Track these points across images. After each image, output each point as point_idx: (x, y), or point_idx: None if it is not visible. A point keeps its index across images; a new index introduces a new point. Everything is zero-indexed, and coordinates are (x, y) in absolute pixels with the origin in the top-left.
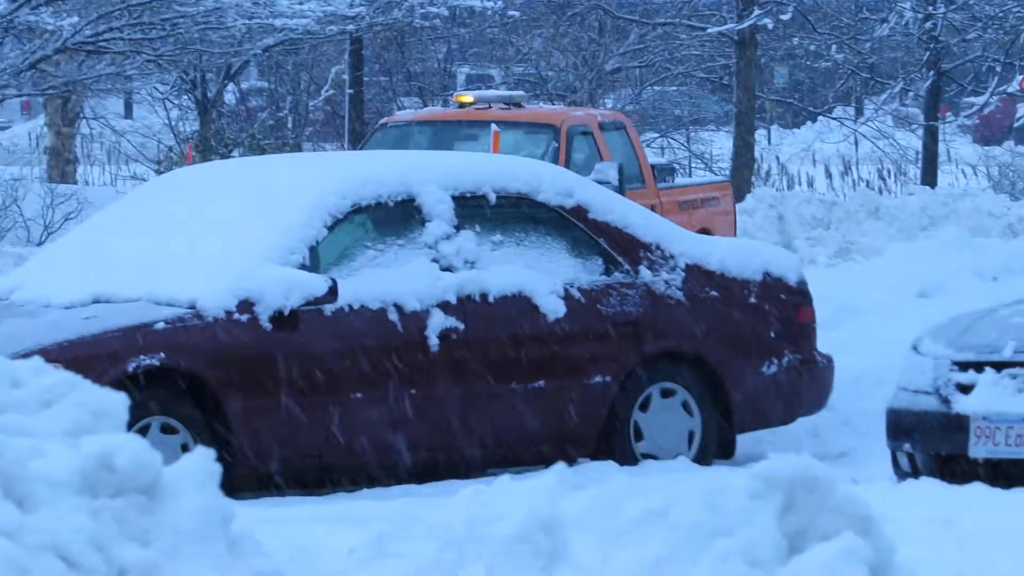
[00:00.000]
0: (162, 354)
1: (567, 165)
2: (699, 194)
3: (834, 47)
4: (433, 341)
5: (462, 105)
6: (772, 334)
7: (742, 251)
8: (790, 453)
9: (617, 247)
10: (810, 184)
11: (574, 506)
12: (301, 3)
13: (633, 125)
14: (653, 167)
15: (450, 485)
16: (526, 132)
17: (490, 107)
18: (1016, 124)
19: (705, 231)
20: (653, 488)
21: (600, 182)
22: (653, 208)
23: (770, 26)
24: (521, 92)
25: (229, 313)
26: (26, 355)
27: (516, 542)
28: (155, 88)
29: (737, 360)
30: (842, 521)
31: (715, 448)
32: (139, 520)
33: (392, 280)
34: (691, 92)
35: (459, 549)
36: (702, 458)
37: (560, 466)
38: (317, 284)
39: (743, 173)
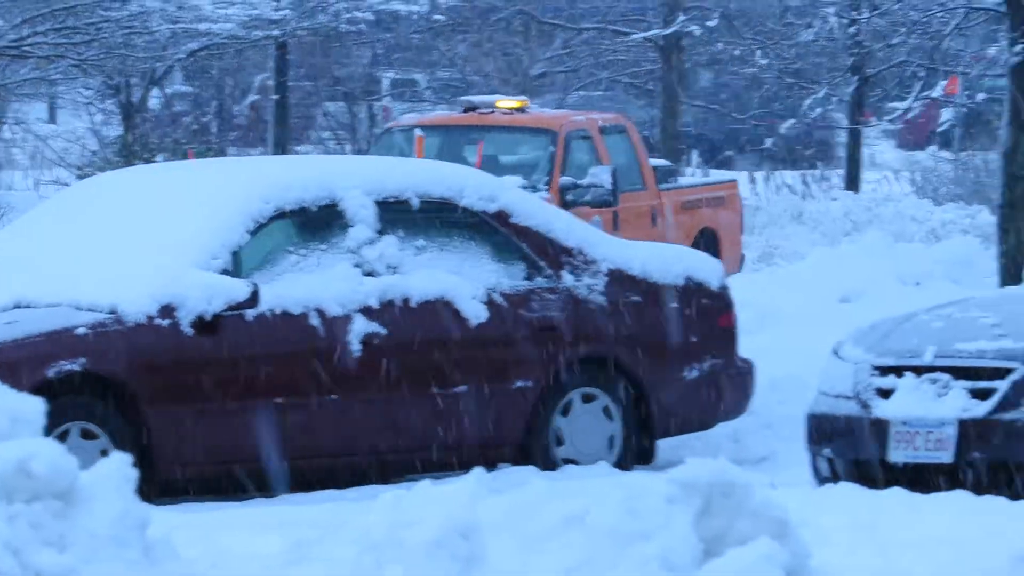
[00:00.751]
0: (83, 359)
1: (565, 169)
2: (703, 194)
3: (759, 52)
4: (355, 346)
5: (467, 110)
6: (694, 339)
7: (664, 256)
8: (709, 458)
9: (540, 252)
10: None
11: (493, 511)
12: (226, 8)
13: (635, 128)
14: (655, 168)
15: (371, 490)
16: (526, 136)
17: (493, 112)
18: (939, 129)
19: (709, 231)
20: (572, 493)
21: (593, 186)
22: (654, 210)
23: (696, 32)
24: (524, 97)
25: (150, 318)
26: None
27: (434, 547)
28: (79, 93)
29: (658, 365)
30: (759, 526)
31: (635, 453)
32: (55, 525)
33: (314, 285)
34: (617, 97)
35: (378, 553)
36: (622, 463)
37: (479, 471)
38: (239, 289)
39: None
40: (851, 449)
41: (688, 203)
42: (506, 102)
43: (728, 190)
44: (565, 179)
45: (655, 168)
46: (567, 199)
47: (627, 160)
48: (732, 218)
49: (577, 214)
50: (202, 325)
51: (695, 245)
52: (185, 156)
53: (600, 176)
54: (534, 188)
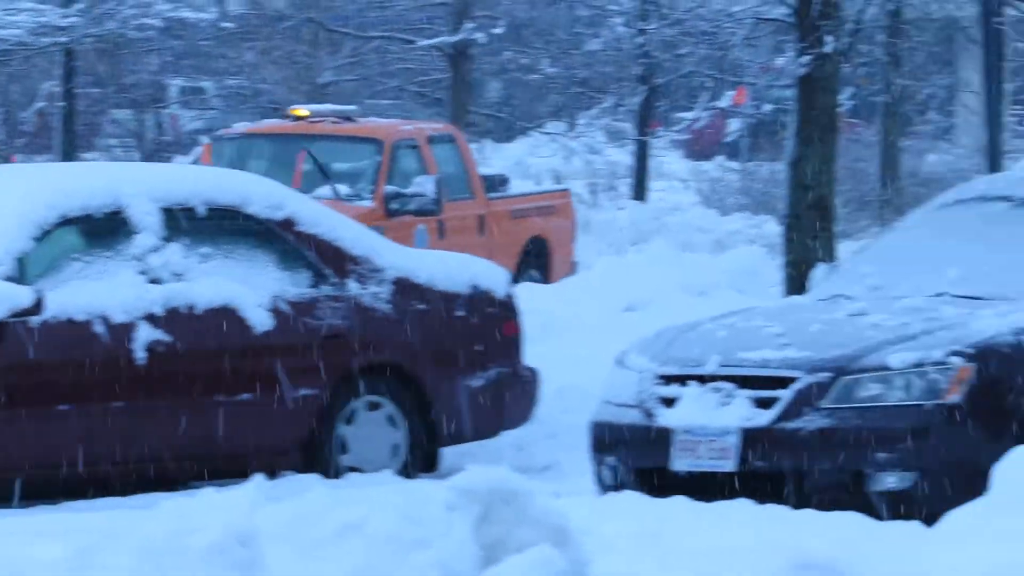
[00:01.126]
0: None
1: (391, 178)
2: (533, 203)
3: (547, 61)
4: (140, 354)
5: (297, 118)
6: (479, 347)
7: (450, 264)
8: (490, 466)
9: (325, 260)
10: None
11: (272, 518)
12: (14, 15)
13: (465, 138)
14: (483, 178)
15: (154, 498)
16: (353, 145)
17: (323, 120)
18: (727, 140)
19: (539, 239)
20: (352, 500)
21: (416, 195)
22: (482, 218)
23: (482, 40)
24: (354, 107)
25: None
26: None
27: (213, 554)
28: None
29: (443, 374)
30: (539, 533)
31: (420, 461)
32: None
33: (99, 292)
34: (405, 106)
35: (158, 561)
36: (407, 471)
37: (259, 478)
38: (22, 296)
39: None
40: (635, 458)
41: (517, 212)
42: (299, 110)
43: (559, 199)
44: (389, 188)
45: (485, 178)
46: (391, 208)
47: (455, 169)
48: (563, 226)
49: (401, 223)
50: None
51: (525, 253)
52: (7, 160)
53: (424, 185)
54: (359, 197)
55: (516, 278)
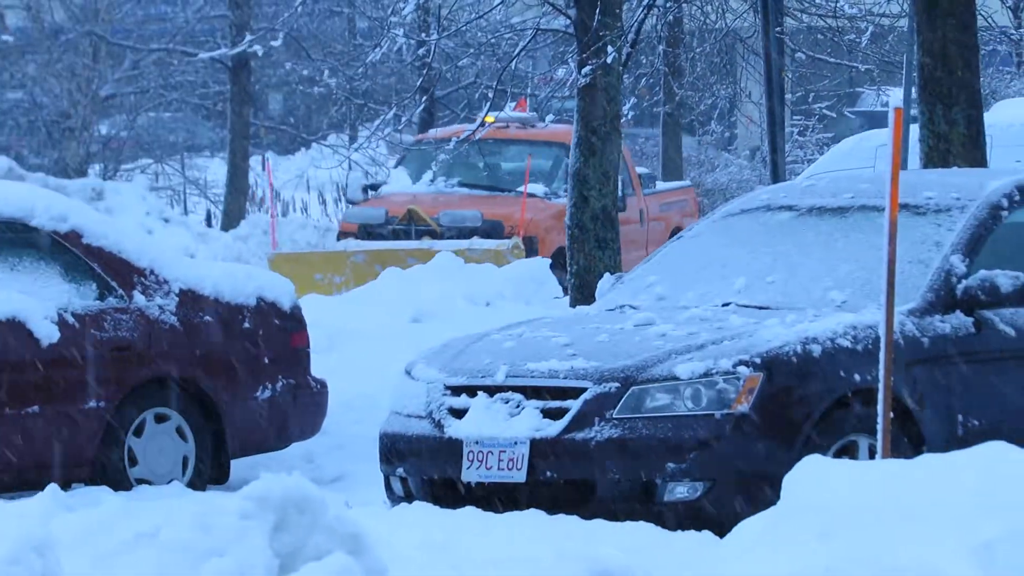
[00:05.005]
0: None
1: None
2: (675, 198)
3: (327, 73)
4: None
5: (484, 124)
6: (266, 359)
7: (236, 276)
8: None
9: (111, 272)
10: (305, 210)
11: (68, 528)
12: None
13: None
14: (640, 176)
15: None
16: (540, 148)
17: (508, 127)
18: None
19: (679, 229)
20: (145, 510)
21: None
22: (642, 212)
23: (260, 52)
24: (534, 113)
25: None
26: None
27: (8, 563)
28: None
29: (231, 385)
30: (334, 541)
31: (209, 473)
32: None
33: None
34: (186, 118)
35: None
36: (196, 483)
37: (53, 489)
38: None
39: (238, 199)
40: (425, 468)
41: (665, 205)
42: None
43: (690, 194)
44: None
45: (640, 176)
46: None
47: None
48: (694, 217)
49: None
50: None
51: None
52: None
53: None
54: (556, 195)
55: None
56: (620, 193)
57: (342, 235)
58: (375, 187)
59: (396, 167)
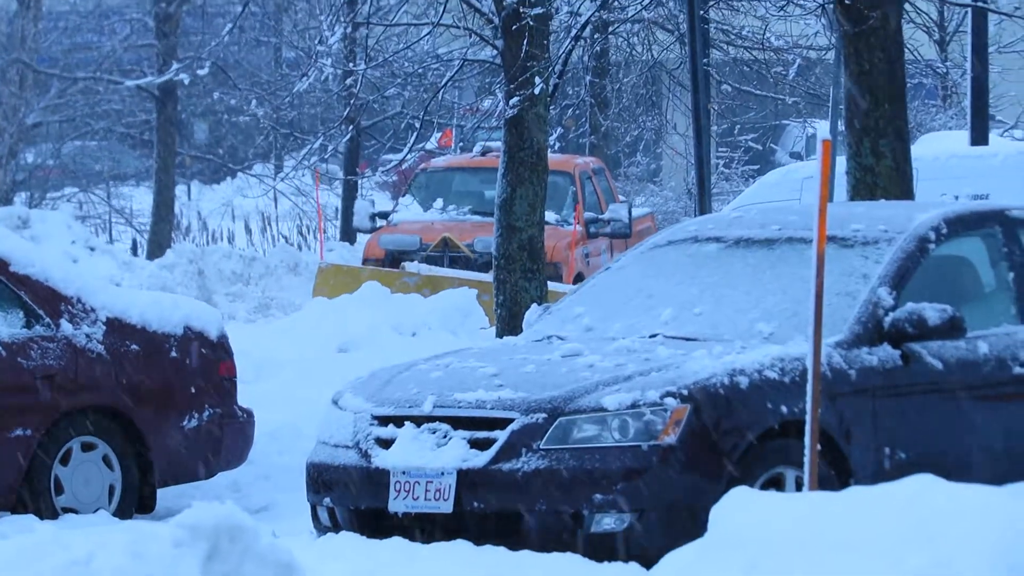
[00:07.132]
0: None
1: (585, 205)
2: (644, 224)
3: (254, 102)
4: None
5: (483, 153)
6: (193, 388)
7: (163, 305)
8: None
9: (38, 300)
10: (230, 240)
11: None
12: None
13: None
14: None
15: None
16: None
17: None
18: None
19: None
20: (76, 538)
21: (613, 220)
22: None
23: (186, 81)
24: None
25: None
26: None
27: None
28: None
29: (158, 414)
30: (266, 570)
31: (136, 502)
32: None
33: None
34: (112, 147)
35: None
36: (123, 512)
37: None
38: None
39: (163, 228)
40: (352, 499)
41: (643, 230)
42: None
43: (651, 221)
44: (588, 214)
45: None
46: (590, 231)
47: (608, 196)
48: None
49: (595, 243)
50: None
51: None
52: None
53: (618, 211)
54: (566, 222)
55: None
56: (628, 218)
57: (367, 260)
58: (384, 215)
59: (404, 196)
